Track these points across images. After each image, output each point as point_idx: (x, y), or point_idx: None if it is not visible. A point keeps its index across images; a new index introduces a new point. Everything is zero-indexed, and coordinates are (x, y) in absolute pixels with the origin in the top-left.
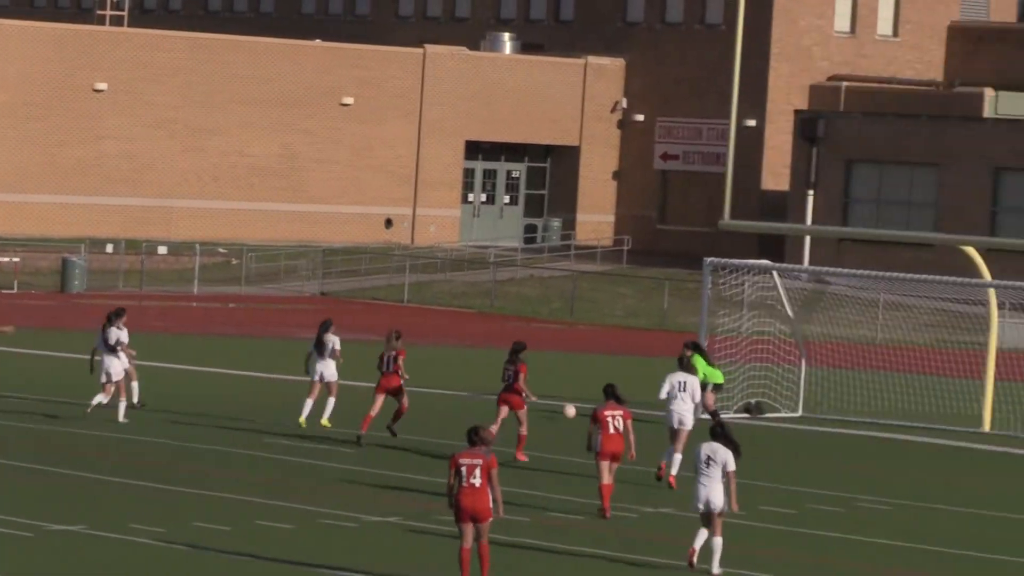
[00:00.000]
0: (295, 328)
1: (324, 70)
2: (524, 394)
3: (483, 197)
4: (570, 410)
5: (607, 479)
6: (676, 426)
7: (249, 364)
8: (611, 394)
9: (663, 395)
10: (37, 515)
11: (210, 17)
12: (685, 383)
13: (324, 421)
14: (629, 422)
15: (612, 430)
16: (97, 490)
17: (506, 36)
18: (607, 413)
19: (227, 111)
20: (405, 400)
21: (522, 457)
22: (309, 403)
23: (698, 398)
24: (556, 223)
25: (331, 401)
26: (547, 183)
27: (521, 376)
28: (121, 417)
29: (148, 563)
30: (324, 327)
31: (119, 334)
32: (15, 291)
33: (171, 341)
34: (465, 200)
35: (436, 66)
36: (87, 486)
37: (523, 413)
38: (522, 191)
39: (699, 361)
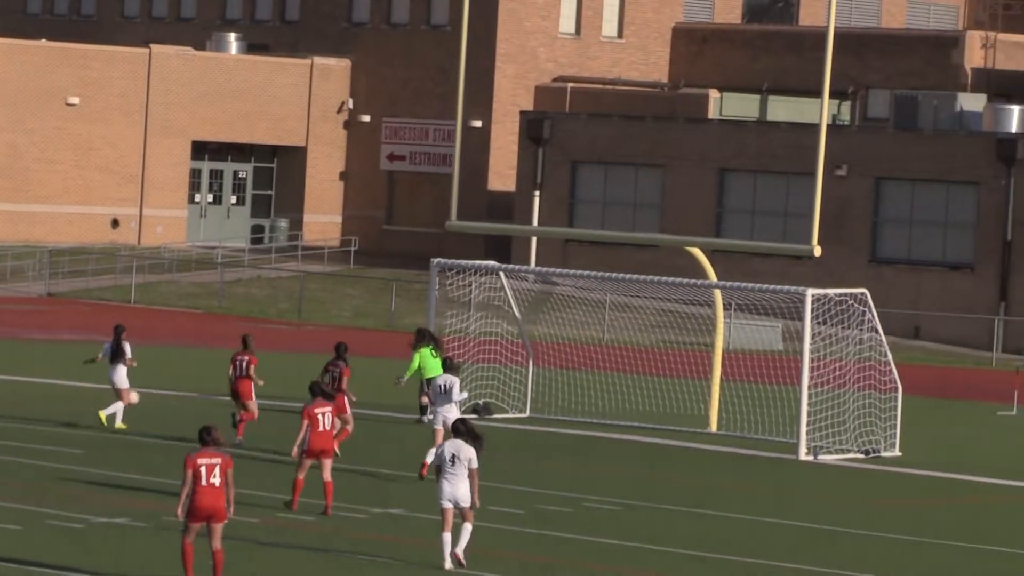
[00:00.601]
0: (20, 329)
1: (49, 69)
2: (347, 396)
3: (210, 197)
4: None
5: (301, 476)
6: (438, 427)
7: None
8: (319, 391)
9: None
10: None
11: None
12: (444, 385)
13: (119, 424)
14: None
15: (322, 428)
16: None
17: (232, 36)
18: (317, 410)
19: None
20: (253, 407)
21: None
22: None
23: (456, 396)
24: (283, 223)
25: (119, 405)
26: (274, 183)
27: (345, 379)
28: None
29: None
30: (118, 332)
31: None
32: None
33: None
34: (192, 200)
35: (162, 66)
36: None
37: (348, 415)
38: (249, 191)
39: (426, 353)
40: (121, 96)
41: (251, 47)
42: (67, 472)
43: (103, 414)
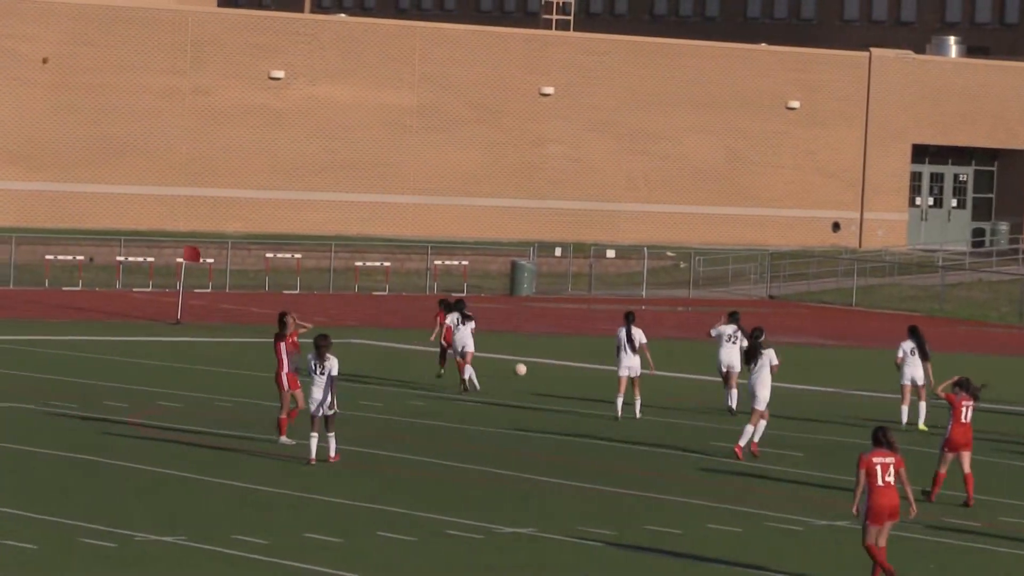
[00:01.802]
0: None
1: (768, 74)
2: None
3: (930, 201)
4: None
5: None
6: None
7: (696, 366)
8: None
9: None
10: (487, 518)
11: (655, 21)
12: None
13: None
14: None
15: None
16: (547, 491)
17: (951, 40)
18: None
19: (670, 114)
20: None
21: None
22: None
23: None
24: (1004, 227)
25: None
26: (995, 186)
27: None
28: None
29: (603, 564)
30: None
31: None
32: (464, 294)
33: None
34: (912, 204)
35: (882, 70)
36: (537, 489)
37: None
38: (969, 194)
39: None
40: (841, 99)
41: (971, 50)
42: (782, 473)
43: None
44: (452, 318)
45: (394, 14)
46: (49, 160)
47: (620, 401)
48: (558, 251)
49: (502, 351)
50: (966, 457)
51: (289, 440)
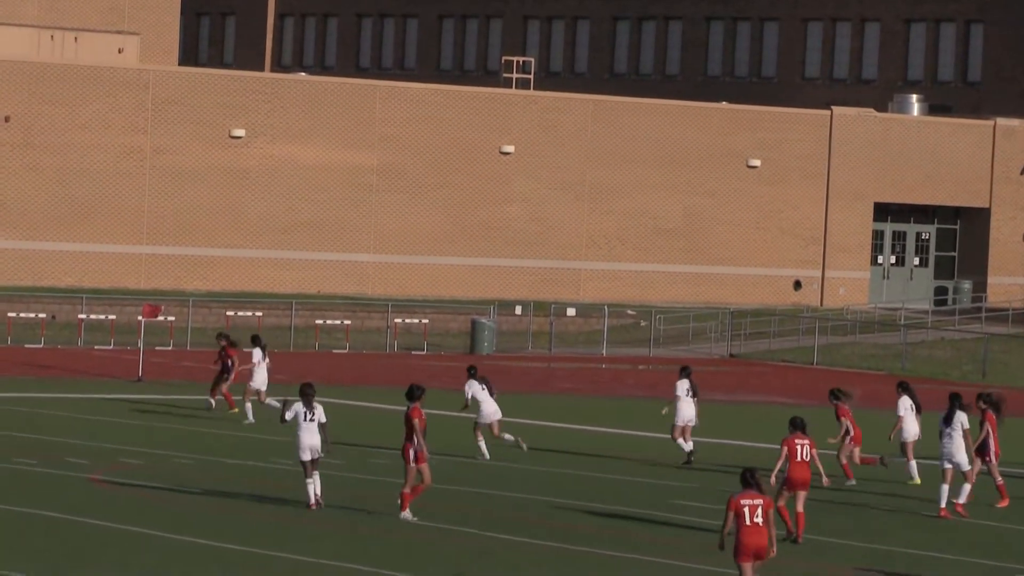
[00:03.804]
0: (706, 391)
1: (729, 132)
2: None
3: (892, 259)
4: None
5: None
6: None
7: (658, 427)
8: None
9: None
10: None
11: (615, 80)
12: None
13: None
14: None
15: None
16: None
17: (914, 97)
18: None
19: (631, 172)
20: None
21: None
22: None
23: None
24: (967, 285)
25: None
26: (957, 245)
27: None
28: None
29: None
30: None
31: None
32: (424, 352)
33: (580, 403)
34: (875, 262)
35: (843, 128)
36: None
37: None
38: (932, 253)
39: None
40: (802, 158)
41: (933, 108)
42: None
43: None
44: (474, 386)
45: (354, 72)
46: (11, 218)
47: (688, 445)
48: (518, 309)
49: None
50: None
51: (412, 517)
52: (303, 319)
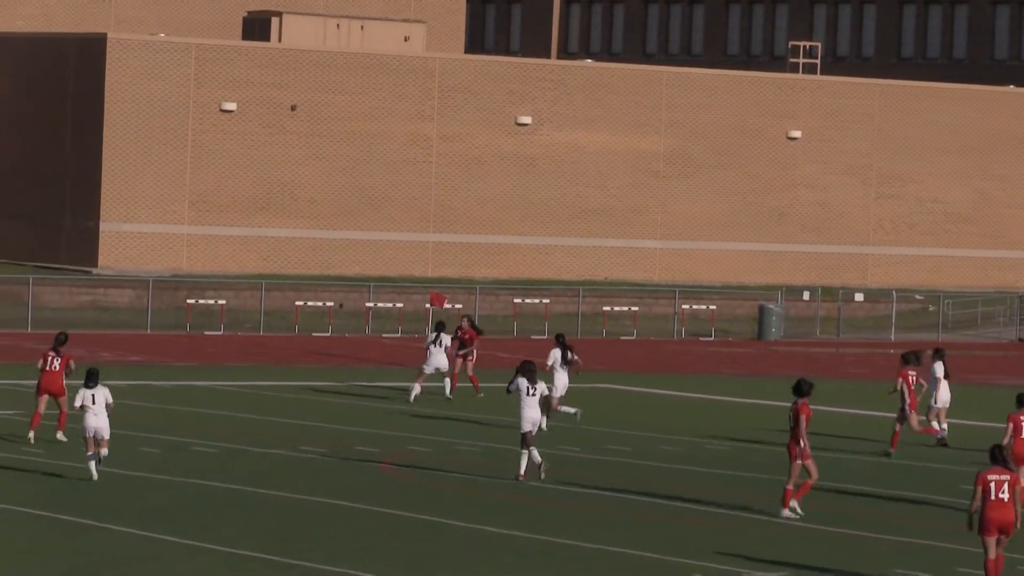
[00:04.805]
0: (993, 375)
1: (1018, 116)
2: None
3: None
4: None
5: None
6: None
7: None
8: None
9: None
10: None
11: (902, 64)
12: None
13: None
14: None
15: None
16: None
17: None
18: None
19: (920, 157)
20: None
21: None
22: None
23: None
24: None
25: None
26: None
27: None
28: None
29: None
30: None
31: None
32: (712, 338)
33: (868, 388)
34: None
35: None
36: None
37: None
38: None
39: None
40: None
41: None
42: None
43: None
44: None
45: (641, 59)
46: (299, 207)
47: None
48: (806, 295)
49: (752, 396)
50: None
51: (792, 513)
52: (590, 306)
